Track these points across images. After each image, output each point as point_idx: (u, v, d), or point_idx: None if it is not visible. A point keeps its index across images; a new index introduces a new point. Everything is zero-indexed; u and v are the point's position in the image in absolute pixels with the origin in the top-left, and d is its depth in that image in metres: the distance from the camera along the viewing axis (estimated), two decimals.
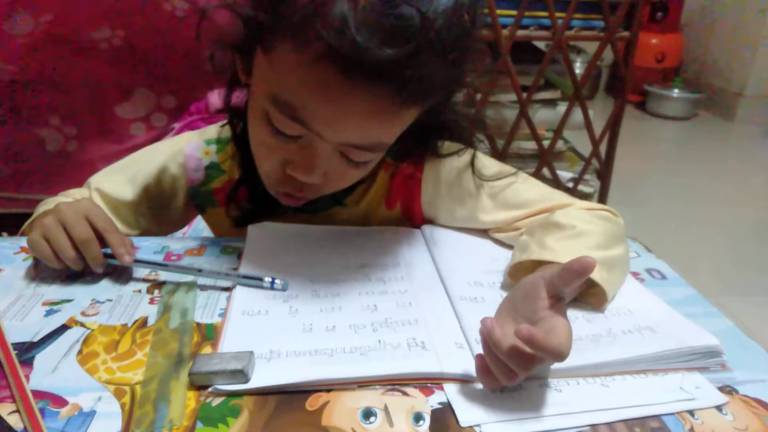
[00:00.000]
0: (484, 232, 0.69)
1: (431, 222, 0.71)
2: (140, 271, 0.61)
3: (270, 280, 0.56)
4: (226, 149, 0.72)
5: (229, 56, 0.59)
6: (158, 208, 0.74)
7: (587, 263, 0.43)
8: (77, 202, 0.60)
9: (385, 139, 0.55)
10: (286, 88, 0.50)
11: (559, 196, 0.66)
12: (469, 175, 0.67)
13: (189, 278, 0.59)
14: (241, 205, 0.70)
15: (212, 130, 0.74)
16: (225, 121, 0.70)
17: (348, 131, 0.51)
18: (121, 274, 0.60)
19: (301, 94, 0.50)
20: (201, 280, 0.59)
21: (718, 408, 0.44)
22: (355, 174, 0.59)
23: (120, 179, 0.71)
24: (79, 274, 0.59)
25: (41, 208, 0.68)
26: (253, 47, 0.54)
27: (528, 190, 0.67)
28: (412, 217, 0.71)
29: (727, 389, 0.46)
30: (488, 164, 0.68)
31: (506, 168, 0.69)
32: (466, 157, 0.67)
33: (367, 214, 0.71)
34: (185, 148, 0.72)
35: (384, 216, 0.71)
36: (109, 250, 0.58)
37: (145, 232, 0.73)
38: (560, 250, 0.55)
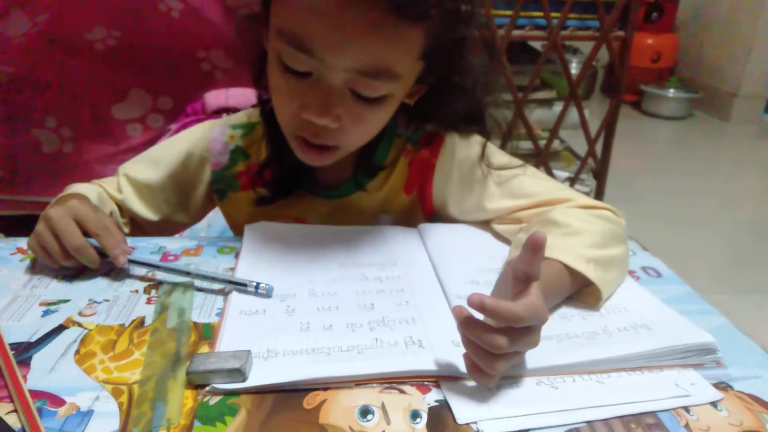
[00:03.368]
0: (481, 230, 0.70)
1: (440, 209, 0.72)
2: (137, 272, 0.61)
3: (255, 284, 0.56)
4: (251, 135, 0.73)
5: (255, 32, 0.62)
6: (183, 194, 0.75)
7: (538, 238, 0.42)
8: (65, 206, 0.59)
9: (390, 62, 0.53)
10: (289, 16, 0.52)
11: (562, 191, 0.66)
12: (480, 164, 0.68)
13: (186, 278, 0.59)
14: (267, 183, 0.71)
15: (238, 116, 0.75)
16: (252, 106, 0.72)
17: (350, 52, 0.52)
18: (118, 274, 0.60)
19: (302, 17, 0.51)
20: (198, 280, 0.59)
21: (713, 404, 0.45)
22: (370, 118, 0.58)
23: (146, 164, 0.73)
24: (78, 271, 0.59)
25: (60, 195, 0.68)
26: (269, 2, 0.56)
27: (534, 183, 0.67)
28: (423, 203, 0.72)
29: (722, 385, 0.47)
30: (498, 155, 0.69)
31: (515, 160, 0.70)
32: (478, 146, 0.68)
33: (387, 200, 0.72)
34: (210, 133, 0.73)
35: (402, 202, 0.72)
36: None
37: (165, 221, 0.74)
38: (555, 247, 0.55)
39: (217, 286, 0.58)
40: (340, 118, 0.56)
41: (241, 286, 0.56)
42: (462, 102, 0.66)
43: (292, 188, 0.71)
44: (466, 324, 0.43)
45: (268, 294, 0.55)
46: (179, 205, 0.75)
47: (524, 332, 0.43)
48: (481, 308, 0.41)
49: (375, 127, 0.61)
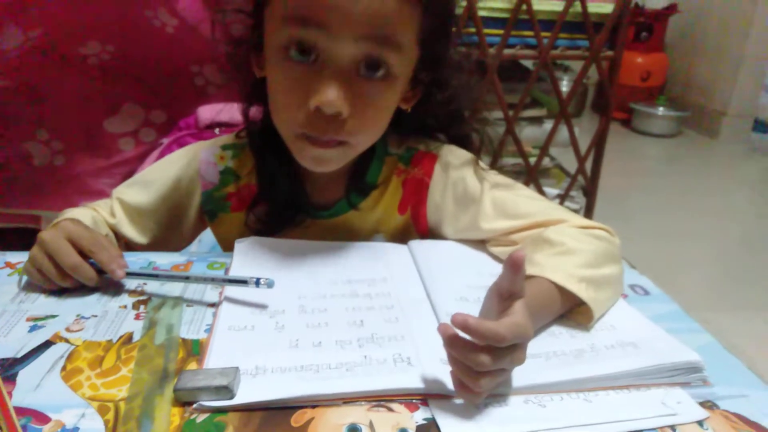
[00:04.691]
0: (470, 247, 0.70)
1: (434, 229, 0.73)
2: (126, 287, 0.60)
3: (255, 279, 0.56)
4: (242, 155, 0.73)
5: (243, 56, 0.64)
6: (174, 217, 0.74)
7: (517, 257, 0.43)
8: (58, 228, 0.60)
9: (395, 30, 0.55)
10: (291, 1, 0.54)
11: (557, 212, 0.65)
12: (474, 183, 0.68)
13: (175, 294, 0.59)
14: (260, 218, 0.71)
15: (229, 137, 0.75)
16: (240, 130, 0.73)
17: (356, 15, 0.53)
18: (106, 289, 0.60)
19: None
20: (188, 294, 0.59)
21: (700, 423, 0.45)
22: (377, 101, 0.58)
23: (138, 187, 0.73)
24: (69, 288, 0.59)
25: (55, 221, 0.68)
26: (261, 18, 0.58)
27: (529, 203, 0.67)
28: (417, 222, 0.73)
29: (708, 404, 0.47)
30: (490, 174, 0.70)
31: (507, 180, 0.71)
32: (471, 164, 0.69)
33: (380, 220, 0.73)
34: (200, 154, 0.73)
35: (396, 222, 0.73)
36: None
37: (157, 244, 0.74)
38: (547, 266, 0.55)
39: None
40: (349, 103, 0.55)
41: (241, 283, 0.56)
42: (451, 111, 0.68)
43: (288, 218, 0.71)
44: (451, 342, 0.43)
45: (269, 286, 0.55)
46: (171, 227, 0.75)
47: (509, 350, 0.43)
48: (464, 328, 0.41)
49: (382, 117, 0.61)
